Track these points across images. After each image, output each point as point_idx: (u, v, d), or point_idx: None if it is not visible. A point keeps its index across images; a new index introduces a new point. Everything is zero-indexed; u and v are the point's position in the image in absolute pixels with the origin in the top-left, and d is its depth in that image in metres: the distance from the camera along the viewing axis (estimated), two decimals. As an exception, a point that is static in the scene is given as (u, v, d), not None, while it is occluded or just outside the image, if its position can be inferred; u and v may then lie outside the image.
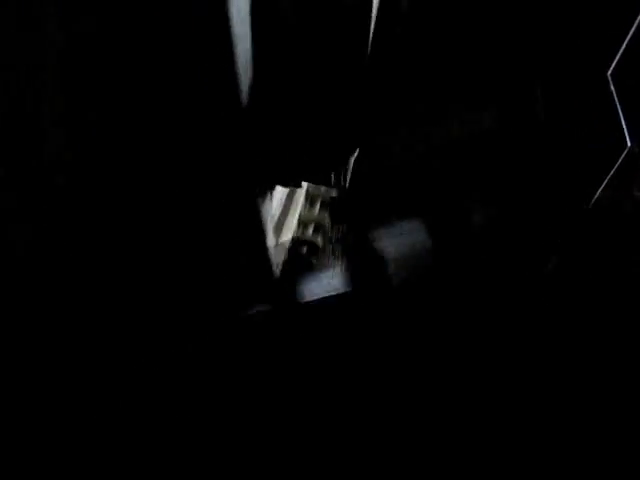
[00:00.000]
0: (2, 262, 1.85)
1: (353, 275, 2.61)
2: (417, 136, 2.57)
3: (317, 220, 2.93)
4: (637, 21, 2.24)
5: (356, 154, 2.33)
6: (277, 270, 2.60)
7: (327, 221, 2.90)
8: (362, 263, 2.65)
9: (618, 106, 2.32)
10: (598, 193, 2.48)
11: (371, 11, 2.05)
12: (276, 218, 2.65)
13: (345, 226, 2.81)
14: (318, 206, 2.94)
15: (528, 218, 2.59)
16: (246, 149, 2.16)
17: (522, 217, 2.60)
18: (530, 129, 2.55)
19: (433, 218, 2.60)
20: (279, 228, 2.68)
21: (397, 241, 2.63)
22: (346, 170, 2.32)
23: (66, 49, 1.70)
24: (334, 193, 2.91)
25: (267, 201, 2.43)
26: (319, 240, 2.86)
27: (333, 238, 2.83)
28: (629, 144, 2.30)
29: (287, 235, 2.78)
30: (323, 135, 2.18)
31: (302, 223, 2.90)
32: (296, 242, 2.80)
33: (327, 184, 2.40)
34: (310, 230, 2.90)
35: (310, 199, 2.92)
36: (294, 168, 2.32)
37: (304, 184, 2.85)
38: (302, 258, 2.73)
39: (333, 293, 2.56)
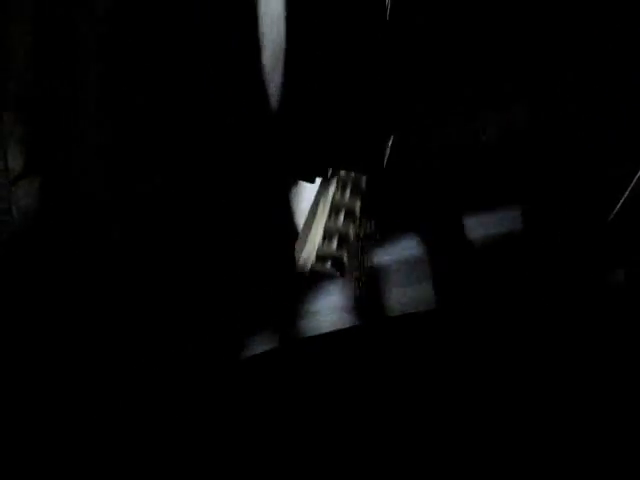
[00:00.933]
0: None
1: (356, 301, 2.60)
2: (454, 126, 2.55)
3: (341, 231, 2.92)
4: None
5: (391, 140, 2.32)
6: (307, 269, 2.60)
7: (352, 232, 2.90)
8: (363, 284, 2.64)
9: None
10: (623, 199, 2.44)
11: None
12: (300, 230, 2.65)
13: (373, 226, 2.79)
14: (342, 216, 2.93)
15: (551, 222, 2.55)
16: (279, 143, 2.17)
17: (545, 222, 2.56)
18: (568, 126, 2.51)
19: (432, 229, 2.58)
20: (303, 241, 2.68)
21: (394, 256, 2.62)
22: (383, 155, 2.30)
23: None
24: (364, 182, 2.90)
25: (294, 211, 2.44)
26: (344, 255, 2.85)
27: (358, 251, 2.82)
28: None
29: (311, 249, 2.78)
30: (360, 121, 2.18)
31: (327, 235, 2.90)
32: (320, 258, 2.79)
33: (363, 170, 2.38)
34: (334, 244, 2.89)
35: (335, 210, 2.91)
36: (330, 155, 2.32)
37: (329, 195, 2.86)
38: (325, 275, 2.73)
39: (341, 324, 2.54)
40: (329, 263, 2.79)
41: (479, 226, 2.58)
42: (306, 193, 2.60)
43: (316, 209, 2.74)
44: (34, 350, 2.01)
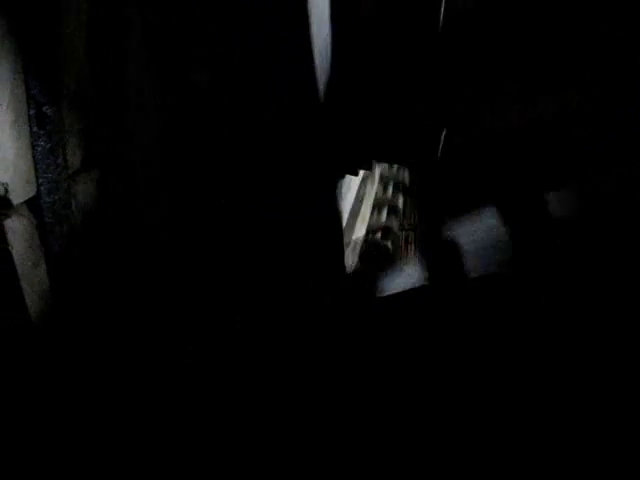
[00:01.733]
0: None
1: (429, 267, 2.57)
2: (508, 114, 2.49)
3: (391, 203, 2.90)
4: None
5: (445, 132, 2.27)
6: (352, 265, 2.59)
7: (401, 203, 2.86)
8: (437, 254, 2.61)
9: None
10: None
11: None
12: (349, 211, 2.63)
13: (419, 211, 2.77)
14: (391, 190, 2.91)
15: (616, 206, 2.49)
16: (327, 138, 2.14)
17: (609, 206, 2.50)
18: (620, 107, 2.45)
19: (511, 205, 2.53)
20: (352, 224, 2.66)
21: (470, 229, 2.57)
22: (436, 147, 2.26)
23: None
24: (407, 176, 2.87)
25: (342, 196, 2.41)
26: (394, 223, 2.83)
27: (406, 226, 2.79)
28: None
29: (361, 229, 2.76)
30: (413, 112, 2.14)
31: (376, 206, 2.88)
32: (370, 231, 2.78)
33: (416, 162, 2.35)
34: (384, 214, 2.87)
35: (384, 184, 2.89)
36: (381, 147, 2.29)
37: (377, 171, 2.82)
38: (377, 249, 2.71)
39: (409, 287, 2.52)
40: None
41: (545, 204, 2.53)
42: (348, 191, 2.58)
43: (359, 206, 2.73)
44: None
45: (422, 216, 2.75)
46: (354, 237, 2.73)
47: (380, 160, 2.40)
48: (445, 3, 2.03)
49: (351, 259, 2.67)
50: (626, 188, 2.46)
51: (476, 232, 2.46)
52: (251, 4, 1.79)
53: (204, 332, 2.47)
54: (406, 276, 2.53)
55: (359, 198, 2.78)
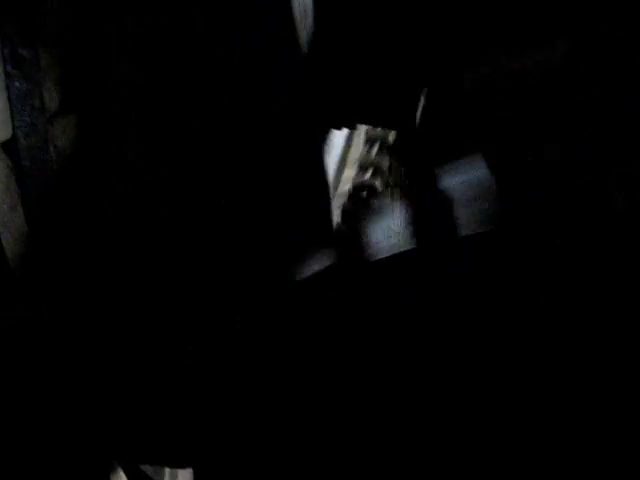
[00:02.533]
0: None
1: (416, 222, 2.56)
2: (489, 71, 2.47)
3: (376, 163, 2.89)
4: None
5: (424, 92, 2.27)
6: (337, 218, 2.58)
7: (386, 164, 2.86)
8: (424, 207, 2.60)
9: None
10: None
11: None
12: (335, 166, 2.63)
13: (405, 167, 2.76)
14: (376, 149, 2.90)
15: (599, 153, 2.49)
16: (308, 94, 2.13)
17: (593, 153, 2.50)
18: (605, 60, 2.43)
19: (500, 156, 2.51)
20: (338, 176, 2.66)
21: (459, 178, 2.55)
22: (414, 109, 2.25)
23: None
24: (393, 135, 2.86)
25: (327, 150, 2.41)
26: (378, 184, 2.83)
27: (392, 180, 2.78)
28: None
29: (346, 183, 2.76)
30: (390, 74, 2.13)
31: (361, 167, 2.87)
32: (356, 187, 2.77)
33: (390, 126, 2.35)
34: (369, 174, 2.86)
35: (369, 142, 2.88)
36: (358, 109, 2.28)
37: (362, 127, 2.81)
38: (362, 204, 2.70)
39: (396, 243, 2.50)
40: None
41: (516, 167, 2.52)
42: (333, 149, 2.57)
43: (343, 165, 2.72)
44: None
45: (408, 172, 2.74)
46: (338, 194, 2.73)
47: (358, 121, 2.39)
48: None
49: (335, 218, 2.67)
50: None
51: (465, 184, 2.44)
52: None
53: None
54: (392, 233, 2.51)
55: (343, 157, 2.77)
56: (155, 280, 2.20)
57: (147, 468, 4.01)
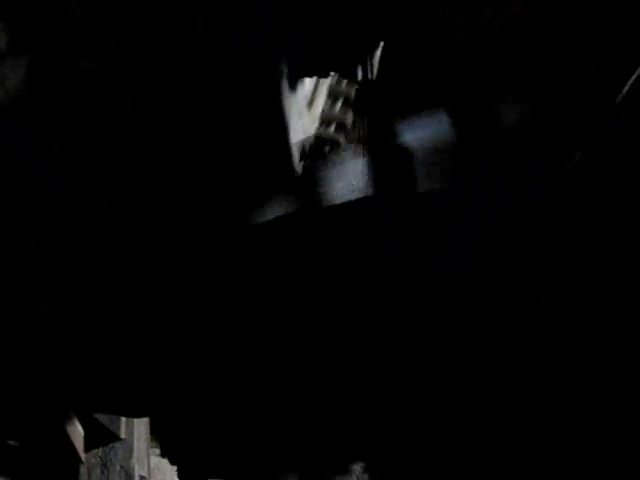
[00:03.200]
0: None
1: (375, 174, 2.57)
2: (449, 26, 2.47)
3: (339, 118, 2.88)
4: None
5: (382, 44, 2.26)
6: (298, 169, 2.58)
7: (349, 119, 2.85)
8: (384, 161, 2.60)
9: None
10: (628, 86, 2.40)
11: None
12: (298, 120, 2.61)
13: (367, 121, 2.75)
14: (340, 104, 2.88)
15: (557, 113, 2.51)
16: (270, 39, 2.13)
17: (551, 112, 2.52)
18: (561, 20, 2.44)
19: (459, 112, 2.51)
20: (302, 130, 2.64)
21: (420, 136, 2.55)
22: (372, 61, 2.25)
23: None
24: (356, 88, 2.84)
25: (290, 98, 2.39)
26: (341, 139, 2.82)
27: (355, 135, 2.78)
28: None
29: (309, 133, 2.74)
30: (348, 23, 2.13)
31: (324, 121, 2.86)
32: (318, 140, 2.76)
33: (351, 76, 2.34)
34: (332, 128, 2.85)
35: (333, 97, 2.86)
36: (320, 57, 2.27)
37: (326, 82, 2.80)
38: (324, 156, 2.70)
39: (356, 195, 2.50)
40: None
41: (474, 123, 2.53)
42: (296, 103, 2.56)
43: (307, 119, 2.70)
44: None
45: (370, 127, 2.73)
46: (301, 148, 2.72)
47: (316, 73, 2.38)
48: None
49: (297, 170, 2.67)
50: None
51: (426, 138, 2.45)
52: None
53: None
54: (351, 186, 2.52)
55: (307, 112, 2.76)
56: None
57: (103, 418, 4.04)
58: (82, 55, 1.91)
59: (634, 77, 2.32)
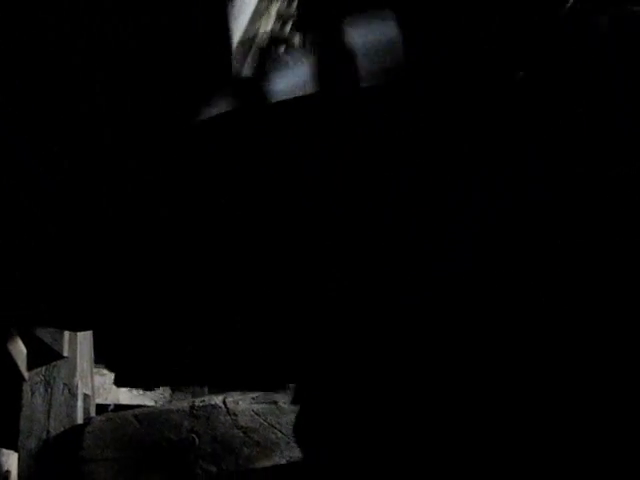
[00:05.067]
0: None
1: (320, 72, 2.52)
2: None
3: (296, 17, 2.83)
4: None
5: None
6: (246, 66, 2.53)
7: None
8: (330, 58, 2.56)
9: None
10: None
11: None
12: (251, 10, 2.56)
13: (315, 20, 2.72)
14: (289, 28, 2.83)
15: (501, 24, 2.47)
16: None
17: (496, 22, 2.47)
18: None
19: (403, 8, 2.48)
20: (254, 21, 2.59)
21: (365, 32, 2.52)
22: None
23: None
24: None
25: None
26: (296, 38, 2.77)
27: (307, 36, 2.73)
28: None
29: (263, 36, 2.68)
30: None
31: (280, 19, 2.81)
32: (273, 41, 2.71)
33: None
34: (288, 27, 2.80)
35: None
36: None
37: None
38: (274, 54, 2.65)
39: (301, 92, 2.46)
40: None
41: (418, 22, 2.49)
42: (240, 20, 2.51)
43: (260, 17, 2.65)
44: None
45: (315, 26, 2.71)
46: (253, 47, 2.66)
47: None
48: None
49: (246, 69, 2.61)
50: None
51: (370, 35, 2.43)
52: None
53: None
54: (295, 84, 2.48)
55: (260, 10, 2.68)
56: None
57: (46, 336, 3.98)
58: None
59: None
